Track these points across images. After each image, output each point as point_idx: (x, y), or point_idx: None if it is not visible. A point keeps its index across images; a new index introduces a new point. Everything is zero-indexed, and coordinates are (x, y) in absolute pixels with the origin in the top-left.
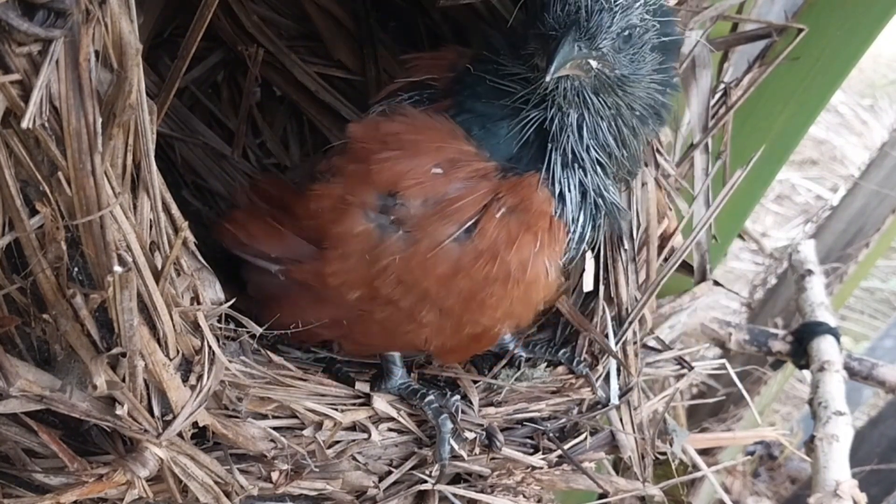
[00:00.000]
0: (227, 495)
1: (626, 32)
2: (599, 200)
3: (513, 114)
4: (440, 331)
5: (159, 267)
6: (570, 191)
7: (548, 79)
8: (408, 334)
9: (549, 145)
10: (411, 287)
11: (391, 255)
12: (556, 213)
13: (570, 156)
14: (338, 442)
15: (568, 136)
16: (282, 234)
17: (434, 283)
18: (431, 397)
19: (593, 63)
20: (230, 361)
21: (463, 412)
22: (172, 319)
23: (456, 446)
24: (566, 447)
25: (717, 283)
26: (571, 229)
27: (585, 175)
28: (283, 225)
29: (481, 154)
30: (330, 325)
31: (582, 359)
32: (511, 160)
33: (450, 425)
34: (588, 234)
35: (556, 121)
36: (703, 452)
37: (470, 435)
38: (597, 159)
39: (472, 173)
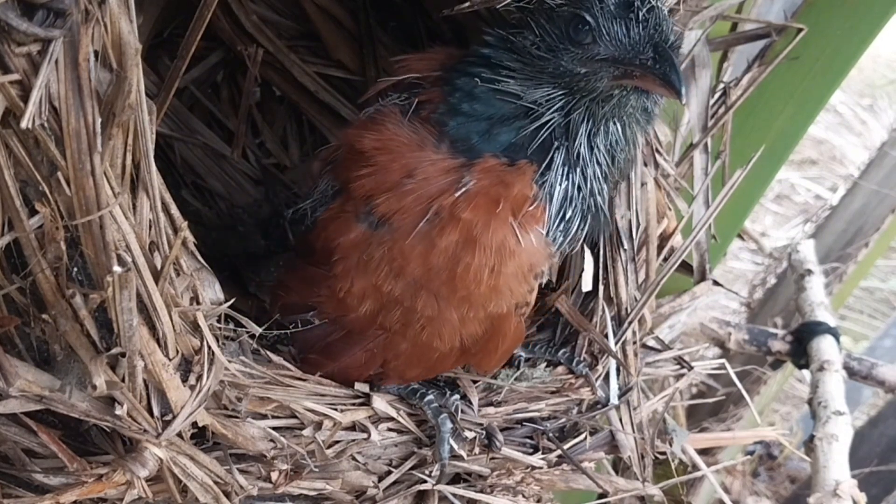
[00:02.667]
0: (227, 495)
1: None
2: (591, 201)
3: (521, 115)
4: (448, 324)
5: (159, 267)
6: (560, 184)
7: (684, 101)
8: (424, 333)
9: (555, 143)
10: (402, 276)
11: (380, 246)
12: (537, 198)
13: (574, 157)
14: (337, 442)
15: (580, 139)
16: (309, 272)
17: (417, 265)
18: (431, 397)
19: None
20: (230, 361)
21: (462, 412)
22: (172, 319)
23: (455, 446)
24: (566, 447)
25: (716, 283)
26: (555, 220)
27: (585, 178)
28: (309, 265)
29: (449, 156)
30: (367, 360)
31: (581, 359)
32: (502, 153)
33: (449, 425)
34: (574, 231)
35: (573, 124)
36: (703, 452)
37: (469, 434)
38: (598, 161)
39: (436, 172)
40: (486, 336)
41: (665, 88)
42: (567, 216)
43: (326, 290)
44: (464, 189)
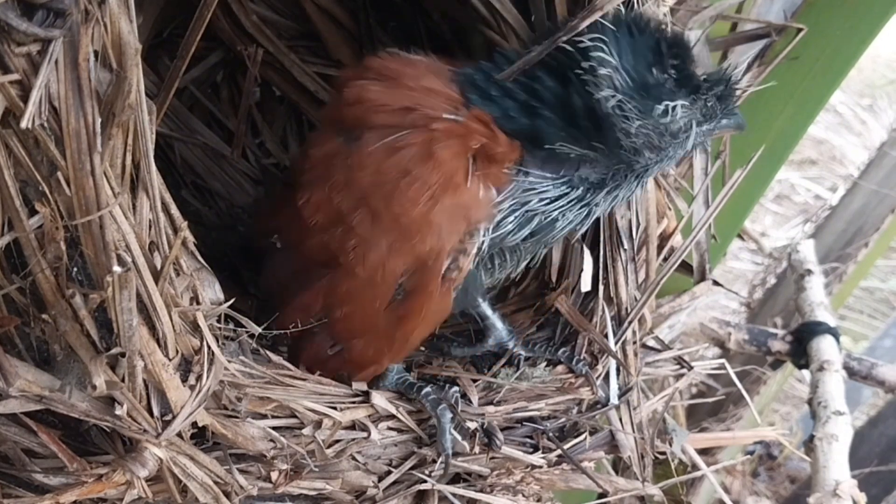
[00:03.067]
0: (227, 495)
1: None
2: (556, 213)
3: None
4: (376, 249)
5: (158, 267)
6: (547, 206)
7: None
8: (352, 255)
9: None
10: (352, 186)
11: (346, 156)
12: (511, 169)
13: (584, 211)
14: (337, 441)
15: (603, 201)
16: (283, 195)
17: (368, 173)
18: (429, 389)
19: None
20: (229, 361)
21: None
22: (172, 319)
23: (458, 437)
24: (566, 447)
25: (716, 283)
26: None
27: (567, 220)
28: (285, 189)
29: (457, 93)
30: (310, 302)
31: (581, 358)
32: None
33: (449, 415)
34: (516, 222)
35: (607, 186)
36: (703, 452)
37: (471, 425)
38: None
39: (438, 97)
40: (411, 291)
41: (738, 131)
42: (510, 219)
43: (291, 208)
44: (453, 117)
